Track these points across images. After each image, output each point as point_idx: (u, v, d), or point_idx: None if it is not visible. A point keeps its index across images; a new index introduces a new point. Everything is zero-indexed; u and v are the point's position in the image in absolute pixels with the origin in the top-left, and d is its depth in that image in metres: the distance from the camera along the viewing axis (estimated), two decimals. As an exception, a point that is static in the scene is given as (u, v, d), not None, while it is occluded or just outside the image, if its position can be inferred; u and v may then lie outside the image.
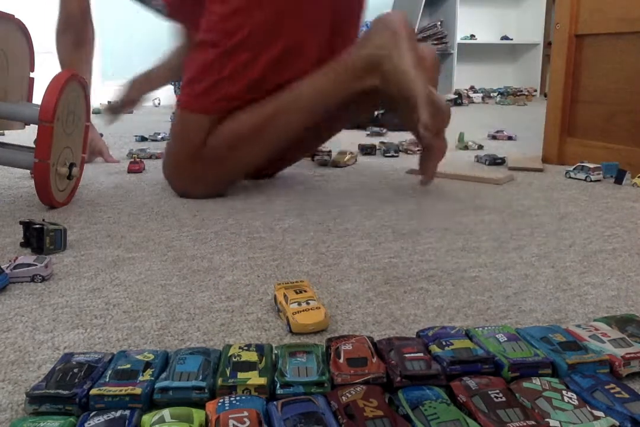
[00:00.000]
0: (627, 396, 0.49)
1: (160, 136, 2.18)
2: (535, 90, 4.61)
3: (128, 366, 0.54)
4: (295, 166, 1.57)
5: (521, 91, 4.37)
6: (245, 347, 0.57)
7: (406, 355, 0.55)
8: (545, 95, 2.06)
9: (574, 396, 0.49)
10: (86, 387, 0.51)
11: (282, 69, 1.21)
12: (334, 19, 1.26)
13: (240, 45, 1.18)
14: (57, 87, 1.11)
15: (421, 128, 1.11)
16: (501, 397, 0.49)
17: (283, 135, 1.25)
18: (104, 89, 3.70)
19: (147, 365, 0.54)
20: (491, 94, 4.29)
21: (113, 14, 3.59)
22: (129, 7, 3.67)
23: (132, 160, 1.60)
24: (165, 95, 3.71)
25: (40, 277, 0.80)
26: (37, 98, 1.15)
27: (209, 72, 1.20)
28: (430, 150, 1.27)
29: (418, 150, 1.91)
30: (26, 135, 2.14)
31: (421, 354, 0.55)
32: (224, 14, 1.19)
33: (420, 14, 4.17)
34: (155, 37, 3.75)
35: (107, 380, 0.52)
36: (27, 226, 0.92)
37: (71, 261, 0.89)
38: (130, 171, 1.57)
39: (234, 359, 0.54)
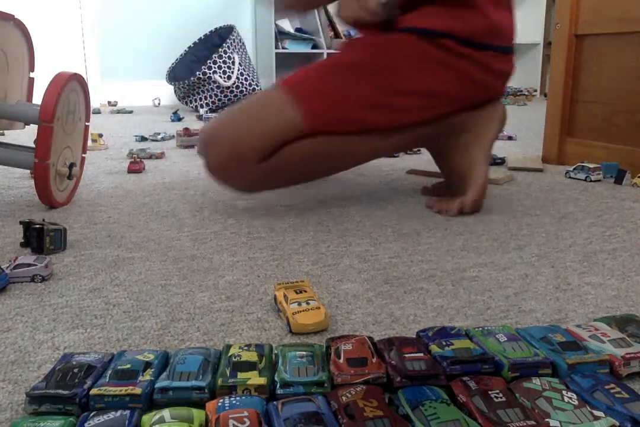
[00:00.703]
0: (627, 396, 0.49)
1: (160, 136, 2.18)
2: (535, 90, 4.60)
3: (128, 366, 0.54)
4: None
5: (521, 91, 4.37)
6: (245, 347, 0.57)
7: (406, 355, 0.55)
8: (545, 95, 2.06)
9: (574, 396, 0.49)
10: (86, 387, 0.51)
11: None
12: None
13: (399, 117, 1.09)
14: (57, 87, 1.11)
15: (458, 206, 1.13)
16: (501, 397, 0.49)
17: (349, 164, 1.20)
18: (102, 89, 3.71)
19: (147, 365, 0.54)
20: (491, 94, 4.28)
21: (113, 13, 3.59)
22: (129, 7, 3.68)
23: (132, 160, 1.60)
24: (166, 95, 3.72)
25: (40, 277, 0.80)
26: (37, 98, 1.15)
27: (346, 97, 1.06)
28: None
29: (418, 150, 1.91)
30: (26, 135, 2.14)
31: (421, 354, 0.55)
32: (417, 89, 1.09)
33: (420, 14, 4.16)
34: (155, 38, 3.76)
35: (107, 380, 0.52)
36: (27, 226, 0.92)
37: (71, 261, 0.89)
38: (130, 171, 1.57)
39: (234, 359, 0.54)
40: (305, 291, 0.71)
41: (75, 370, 0.53)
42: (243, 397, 0.50)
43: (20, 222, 0.93)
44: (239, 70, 3.16)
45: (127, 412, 0.48)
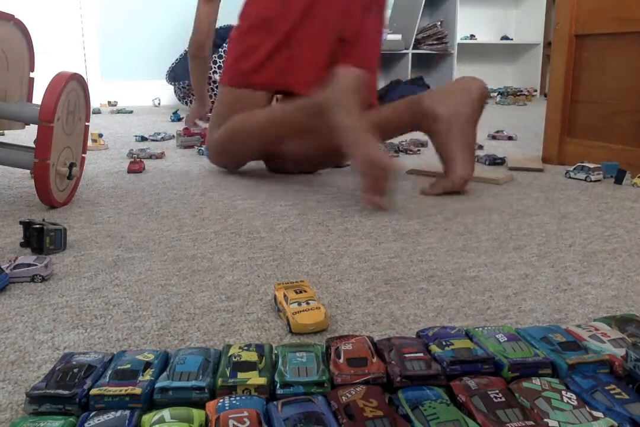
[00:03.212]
0: (627, 397, 0.49)
1: (160, 136, 2.18)
2: (535, 90, 4.61)
3: (128, 366, 0.54)
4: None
5: (521, 91, 4.37)
6: (245, 347, 0.57)
7: (406, 355, 0.55)
8: (545, 95, 2.05)
9: (573, 397, 0.49)
10: (86, 387, 0.51)
11: (285, 58, 1.39)
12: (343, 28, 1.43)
13: (251, 29, 1.40)
14: (57, 87, 1.11)
15: (443, 184, 1.29)
16: (500, 398, 0.49)
17: (271, 138, 1.41)
18: (102, 89, 3.71)
19: (147, 365, 0.54)
20: (491, 94, 4.29)
21: (113, 14, 3.59)
22: (129, 7, 3.68)
23: (132, 160, 1.60)
24: (166, 95, 3.72)
25: (40, 277, 0.80)
26: (37, 98, 1.15)
27: (232, 49, 1.45)
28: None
29: (418, 150, 1.91)
30: (26, 135, 2.15)
31: (421, 354, 0.55)
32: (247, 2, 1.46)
33: (420, 14, 4.16)
34: (155, 38, 3.76)
35: (107, 380, 0.52)
36: (27, 226, 0.92)
37: (71, 261, 0.89)
38: (130, 171, 1.57)
39: (234, 359, 0.54)
40: (305, 291, 0.71)
41: (75, 370, 0.53)
42: (243, 397, 0.50)
43: (20, 222, 0.93)
44: (239, 70, 3.16)
45: (127, 412, 0.48)
